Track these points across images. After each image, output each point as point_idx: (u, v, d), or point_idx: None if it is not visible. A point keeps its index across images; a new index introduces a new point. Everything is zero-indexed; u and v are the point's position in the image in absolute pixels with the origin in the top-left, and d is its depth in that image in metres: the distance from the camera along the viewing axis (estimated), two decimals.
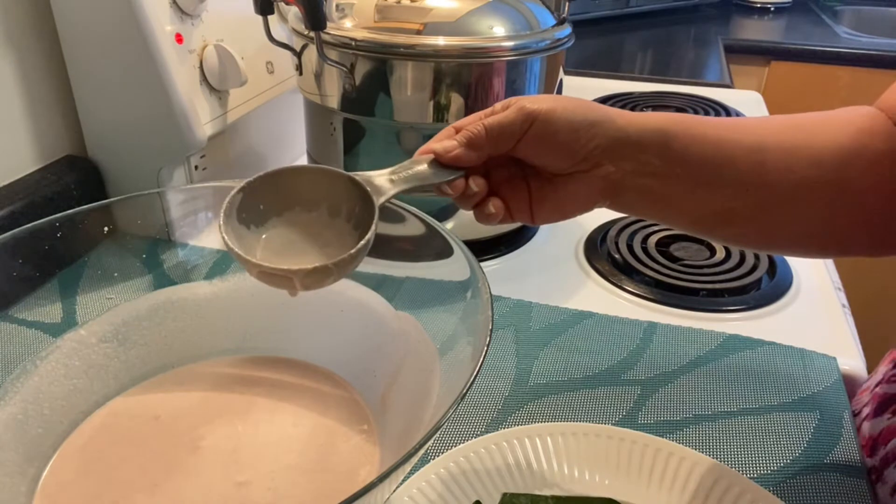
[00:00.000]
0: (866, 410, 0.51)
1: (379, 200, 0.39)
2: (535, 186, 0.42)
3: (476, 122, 0.41)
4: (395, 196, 0.40)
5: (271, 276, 0.37)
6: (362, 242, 0.37)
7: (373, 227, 0.38)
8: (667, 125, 0.40)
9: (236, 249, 0.37)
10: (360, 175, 0.40)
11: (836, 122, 0.42)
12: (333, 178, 0.40)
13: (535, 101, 0.40)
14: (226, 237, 0.37)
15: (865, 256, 0.43)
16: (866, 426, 0.50)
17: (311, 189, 0.40)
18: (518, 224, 0.72)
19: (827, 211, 0.40)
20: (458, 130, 0.41)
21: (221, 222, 0.37)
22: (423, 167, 0.41)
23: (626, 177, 0.40)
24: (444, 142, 0.41)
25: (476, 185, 0.41)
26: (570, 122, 0.39)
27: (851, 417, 0.50)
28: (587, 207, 0.42)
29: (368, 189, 0.39)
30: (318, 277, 0.37)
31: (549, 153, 0.40)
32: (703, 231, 0.44)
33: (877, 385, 0.52)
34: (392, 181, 0.40)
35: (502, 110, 0.41)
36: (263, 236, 0.39)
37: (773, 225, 0.41)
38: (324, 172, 0.40)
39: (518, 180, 0.42)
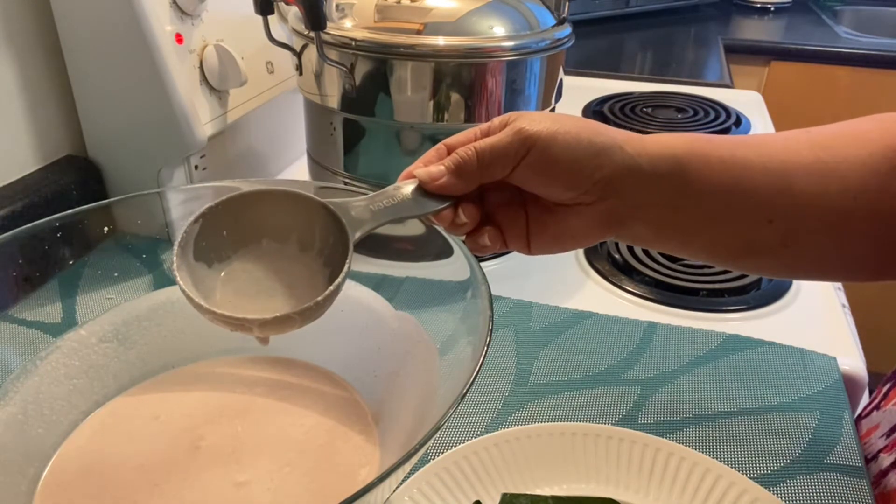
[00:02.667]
0: (887, 459, 0.47)
1: (355, 235, 0.35)
2: (534, 214, 0.38)
3: (468, 142, 0.37)
4: (375, 229, 0.36)
5: (228, 323, 0.34)
6: (331, 288, 0.33)
7: (345, 269, 0.34)
8: (681, 152, 0.36)
9: (187, 290, 0.33)
10: (335, 203, 0.35)
11: (864, 137, 0.37)
12: (306, 204, 0.36)
13: (534, 123, 0.36)
14: (177, 274, 0.33)
15: None
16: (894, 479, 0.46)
17: (280, 216, 0.36)
18: None
19: (861, 237, 0.36)
20: (449, 150, 0.38)
21: (174, 256, 0.33)
22: (407, 195, 0.37)
23: (636, 210, 0.37)
24: (430, 168, 0.37)
25: (466, 215, 0.37)
26: (571, 150, 0.35)
27: (851, 417, 0.50)
28: (589, 241, 0.39)
29: (344, 220, 0.35)
30: (278, 326, 0.34)
31: (547, 183, 0.36)
32: (721, 263, 0.40)
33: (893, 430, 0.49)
34: (371, 211, 0.36)
35: (500, 127, 0.37)
36: (223, 273, 0.35)
37: (801, 256, 0.37)
38: (295, 198, 0.36)
39: (516, 206, 0.39)
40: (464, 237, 0.39)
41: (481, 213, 0.38)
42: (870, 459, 0.48)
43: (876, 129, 0.37)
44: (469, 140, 0.38)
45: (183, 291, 0.33)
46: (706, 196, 0.36)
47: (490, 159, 0.36)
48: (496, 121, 0.38)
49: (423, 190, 0.37)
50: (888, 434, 0.48)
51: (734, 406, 0.51)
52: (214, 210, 0.35)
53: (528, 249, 0.39)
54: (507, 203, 0.39)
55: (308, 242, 0.36)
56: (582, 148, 0.35)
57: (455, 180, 0.36)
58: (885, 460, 0.47)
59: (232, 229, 0.36)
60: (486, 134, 0.38)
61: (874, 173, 0.35)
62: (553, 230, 0.38)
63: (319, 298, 0.33)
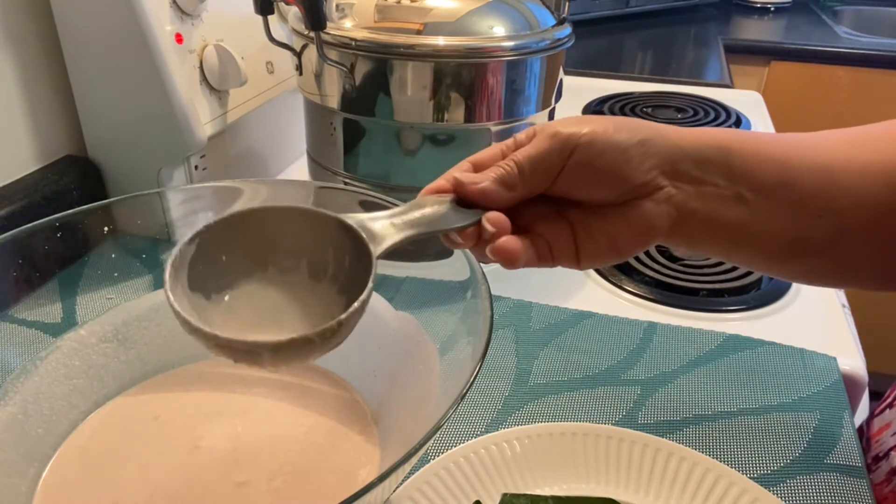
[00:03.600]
0: None
1: (378, 249, 0.31)
2: (581, 221, 0.35)
3: (494, 158, 0.35)
4: (399, 244, 0.32)
5: (233, 351, 0.29)
6: (355, 305, 0.29)
7: (369, 285, 0.30)
8: (726, 141, 0.35)
9: (183, 313, 0.28)
10: (354, 218, 0.31)
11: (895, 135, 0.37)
12: (317, 221, 0.31)
13: (567, 125, 0.34)
14: (171, 295, 0.28)
15: None
16: None
17: (288, 237, 0.32)
18: None
19: None
20: (475, 167, 0.36)
21: (167, 276, 0.29)
22: (434, 208, 0.33)
23: (690, 199, 0.35)
24: (472, 174, 0.34)
25: (492, 223, 0.33)
26: (616, 143, 0.34)
27: (851, 418, 0.50)
28: (647, 241, 0.36)
29: (364, 235, 0.31)
30: (294, 352, 0.29)
31: (596, 183, 0.34)
32: (769, 267, 0.39)
33: None
34: (395, 225, 0.32)
35: (527, 140, 0.35)
36: (222, 304, 0.31)
37: (848, 254, 0.36)
38: (304, 214, 0.31)
39: (554, 216, 0.36)
40: (492, 256, 0.34)
41: (513, 230, 0.35)
42: (881, 457, 0.48)
43: None
44: (495, 156, 0.36)
45: (178, 314, 0.28)
46: (754, 187, 0.35)
47: (531, 168, 0.34)
48: (521, 136, 0.36)
49: (452, 203, 0.34)
50: None
51: (734, 406, 0.51)
52: (212, 230, 0.30)
53: (578, 262, 0.36)
54: (545, 215, 0.36)
55: (320, 267, 0.32)
56: (625, 140, 0.34)
57: (497, 187, 0.34)
58: None
59: (232, 254, 0.31)
60: (512, 147, 0.36)
61: None
62: (605, 235, 0.36)
63: (343, 317, 0.29)
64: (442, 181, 0.35)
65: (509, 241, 0.34)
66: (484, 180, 0.34)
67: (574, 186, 0.35)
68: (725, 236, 0.36)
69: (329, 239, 0.32)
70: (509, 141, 0.36)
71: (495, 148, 0.36)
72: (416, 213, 0.33)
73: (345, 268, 0.32)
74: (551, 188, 0.35)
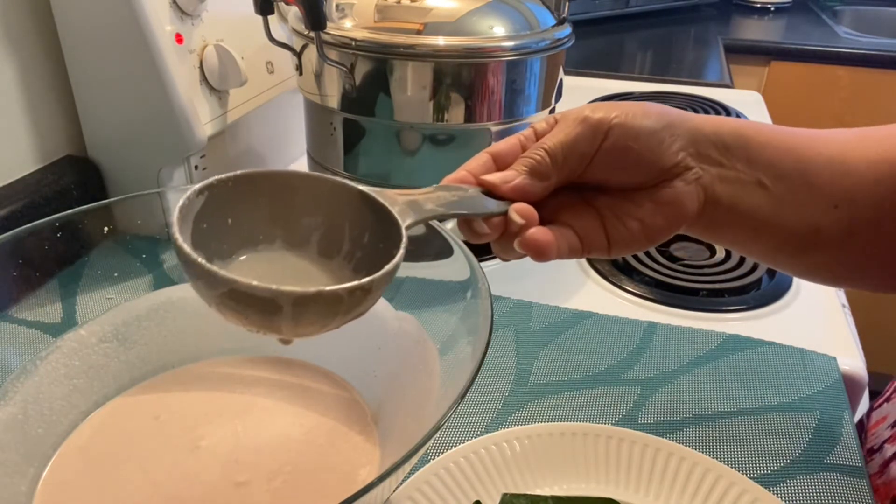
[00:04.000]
0: (891, 449, 0.48)
1: (406, 221, 0.29)
2: (610, 207, 0.35)
3: (513, 150, 0.35)
4: (423, 221, 0.30)
5: (247, 306, 0.26)
6: (388, 266, 0.27)
7: (401, 252, 0.28)
8: (740, 128, 0.36)
9: (194, 255, 0.25)
10: (377, 191, 0.30)
11: None
12: (336, 193, 0.29)
13: (596, 110, 0.33)
14: (179, 237, 0.25)
15: None
16: None
17: (302, 205, 0.29)
18: None
19: None
20: (494, 158, 0.35)
21: (174, 219, 0.26)
22: (460, 193, 0.32)
23: (714, 182, 0.35)
24: (503, 173, 0.33)
25: (520, 212, 0.32)
26: (645, 125, 0.33)
27: (852, 417, 0.50)
28: (678, 223, 0.36)
29: (389, 207, 0.29)
30: (318, 312, 0.26)
31: (628, 167, 0.34)
32: (787, 259, 0.39)
33: None
34: (419, 203, 0.31)
35: (549, 128, 0.34)
36: (228, 267, 0.29)
37: (862, 249, 0.37)
38: (323, 183, 0.29)
39: (580, 206, 0.35)
40: (519, 248, 0.34)
41: (538, 218, 0.34)
42: (875, 450, 0.49)
43: None
44: (514, 148, 0.35)
45: (187, 255, 0.25)
46: (772, 175, 0.35)
47: (564, 155, 0.33)
48: (542, 124, 0.35)
49: (478, 190, 0.33)
50: (894, 425, 0.49)
51: (734, 406, 0.51)
52: (223, 185, 0.28)
53: (609, 251, 0.36)
54: (571, 205, 0.35)
55: (334, 243, 0.30)
56: (654, 122, 0.34)
57: (532, 181, 0.33)
58: (889, 450, 0.47)
59: (240, 218, 0.29)
60: (531, 137, 0.35)
61: None
62: (635, 220, 0.35)
63: (376, 276, 0.26)
64: (463, 172, 0.34)
65: (539, 231, 0.33)
66: (516, 177, 0.33)
67: (606, 172, 0.34)
68: (748, 224, 0.36)
69: (347, 212, 0.29)
70: (528, 131, 0.35)
71: (514, 139, 0.35)
72: (442, 195, 0.32)
73: (362, 244, 0.30)
74: (582, 175, 0.34)
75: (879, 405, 0.53)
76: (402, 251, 0.28)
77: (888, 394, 0.52)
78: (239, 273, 0.26)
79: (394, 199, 0.30)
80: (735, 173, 0.35)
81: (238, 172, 0.28)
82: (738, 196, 0.36)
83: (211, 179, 0.28)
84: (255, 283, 0.25)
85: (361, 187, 0.29)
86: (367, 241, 0.30)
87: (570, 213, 0.35)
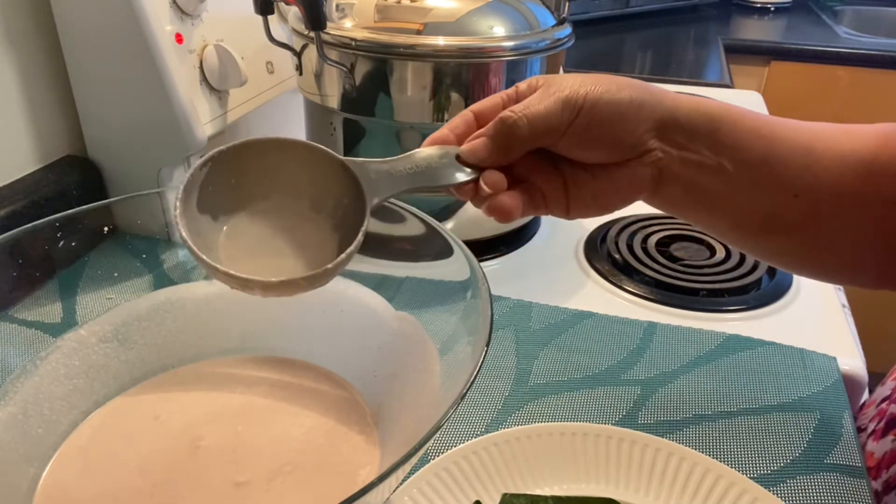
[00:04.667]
0: (872, 426, 0.50)
1: (373, 201, 0.33)
2: (571, 175, 0.37)
3: (495, 108, 0.36)
4: (394, 196, 0.35)
5: (229, 279, 0.32)
6: (341, 257, 0.32)
7: (357, 238, 0.32)
8: (717, 113, 0.36)
9: (190, 242, 0.31)
10: (354, 163, 0.34)
11: (875, 132, 0.38)
12: (323, 159, 0.34)
13: (575, 86, 0.35)
14: (178, 223, 0.31)
15: None
16: (872, 445, 0.48)
17: (294, 169, 0.34)
18: (520, 222, 0.72)
19: (872, 229, 0.37)
20: (476, 116, 0.37)
21: (177, 201, 0.31)
22: (433, 162, 0.35)
23: (674, 164, 0.36)
24: (473, 144, 0.35)
25: (489, 185, 0.35)
26: (616, 107, 0.35)
27: (851, 417, 0.50)
28: (630, 199, 0.38)
29: (363, 184, 0.33)
30: (283, 290, 0.33)
31: (595, 145, 0.36)
32: (743, 239, 0.40)
33: (884, 400, 0.51)
34: (392, 176, 0.34)
35: (529, 91, 0.36)
36: (227, 227, 0.34)
37: (817, 239, 0.38)
38: (311, 150, 0.34)
39: (549, 168, 0.37)
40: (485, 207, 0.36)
41: (509, 180, 0.36)
42: (861, 430, 0.50)
43: (886, 127, 0.38)
44: (496, 106, 0.37)
45: (186, 243, 0.31)
46: (736, 160, 0.36)
47: (542, 128, 0.35)
48: (522, 85, 0.37)
49: (451, 158, 0.35)
50: (878, 403, 0.50)
51: (734, 406, 0.51)
52: (224, 155, 0.32)
53: (567, 213, 0.38)
54: (542, 167, 0.37)
55: (321, 201, 0.34)
56: (625, 104, 0.35)
57: (500, 153, 0.35)
58: (871, 426, 0.49)
59: (241, 179, 0.33)
60: (513, 98, 0.37)
61: (890, 159, 0.36)
62: (593, 190, 0.37)
63: (329, 266, 0.32)
64: (446, 131, 0.37)
65: (503, 198, 0.36)
66: (482, 149, 0.35)
67: (571, 147, 0.36)
68: (704, 203, 0.38)
69: (332, 177, 0.33)
70: (511, 91, 0.37)
71: (497, 98, 0.37)
72: (417, 166, 0.35)
73: (343, 205, 0.34)
74: (551, 145, 0.36)
75: (874, 389, 0.54)
76: (358, 238, 0.32)
77: (885, 379, 0.53)
78: (238, 230, 0.33)
79: (369, 174, 0.34)
80: (698, 157, 0.36)
81: (236, 143, 0.33)
82: (697, 178, 0.37)
83: (212, 152, 0.32)
84: (232, 272, 0.32)
85: (343, 158, 0.33)
86: (347, 203, 0.34)
87: (540, 175, 0.37)
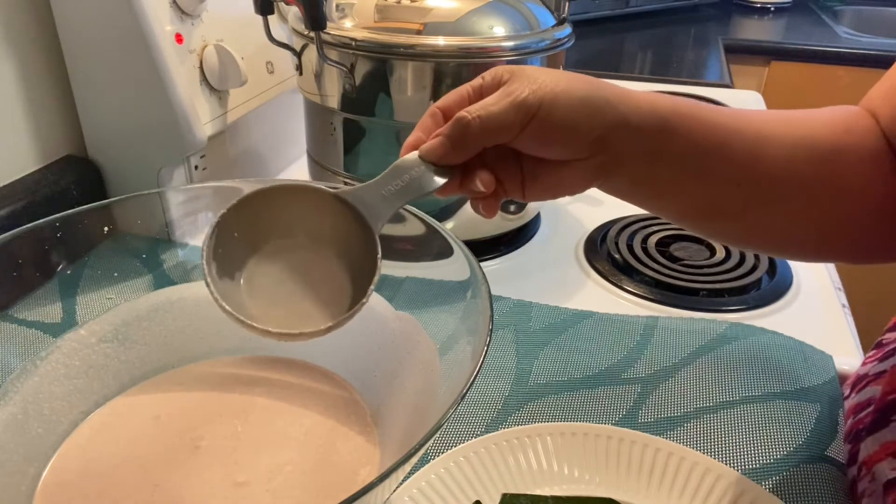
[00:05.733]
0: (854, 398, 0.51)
1: (378, 227, 0.35)
2: (528, 167, 0.39)
3: (461, 101, 0.38)
4: (392, 216, 0.36)
5: (267, 334, 0.36)
6: (363, 301, 0.35)
7: (376, 276, 0.35)
8: (668, 112, 0.38)
9: (227, 306, 0.35)
10: (349, 193, 0.36)
11: (829, 118, 0.41)
12: (318, 196, 0.36)
13: (534, 89, 0.36)
14: (217, 296, 0.35)
15: (846, 262, 0.42)
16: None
17: (293, 212, 0.36)
18: (520, 222, 0.72)
19: (817, 211, 0.39)
20: (443, 112, 0.39)
21: (208, 280, 0.35)
22: (413, 173, 0.37)
23: (620, 163, 0.38)
24: (432, 144, 0.38)
25: (484, 184, 0.38)
26: (570, 113, 0.36)
27: (843, 416, 0.50)
28: (580, 191, 0.40)
29: (365, 214, 0.35)
30: (300, 339, 0.36)
31: (546, 147, 0.38)
32: (687, 223, 0.42)
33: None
34: (385, 198, 0.36)
35: (493, 85, 0.38)
36: (245, 281, 0.37)
37: (758, 222, 0.40)
38: (306, 190, 0.36)
39: (511, 158, 0.39)
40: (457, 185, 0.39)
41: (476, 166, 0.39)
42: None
43: (840, 113, 0.41)
44: (462, 99, 0.39)
45: (230, 314, 0.35)
46: (684, 156, 0.38)
47: (495, 129, 0.36)
48: (487, 77, 0.38)
49: (427, 163, 0.37)
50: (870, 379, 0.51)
51: (736, 395, 0.51)
52: (225, 218, 0.35)
53: (524, 197, 0.41)
54: (503, 157, 0.39)
55: (326, 237, 0.36)
56: (579, 111, 0.36)
57: (456, 151, 0.37)
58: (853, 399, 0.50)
59: (244, 233, 0.36)
60: (479, 92, 0.39)
61: (833, 147, 0.38)
62: (545, 182, 0.39)
63: (343, 318, 0.35)
64: (418, 133, 0.39)
65: (489, 207, 0.40)
66: (439, 149, 0.37)
67: (526, 146, 0.38)
68: (651, 193, 0.40)
69: (329, 210, 0.35)
70: (476, 83, 0.39)
71: (463, 91, 0.39)
72: (401, 182, 0.37)
73: (348, 236, 0.36)
74: (509, 143, 0.38)
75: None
76: (377, 273, 0.35)
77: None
78: (257, 284, 0.36)
79: (363, 200, 0.36)
80: (647, 155, 0.38)
81: (234, 202, 0.35)
82: (645, 172, 0.38)
83: (216, 219, 0.35)
84: (250, 322, 0.35)
85: (337, 192, 0.35)
86: (347, 230, 0.36)
87: (501, 164, 0.39)
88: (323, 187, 0.36)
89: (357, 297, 0.36)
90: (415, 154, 0.38)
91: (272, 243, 0.37)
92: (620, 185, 0.40)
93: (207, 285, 0.35)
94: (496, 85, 0.38)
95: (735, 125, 0.39)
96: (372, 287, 0.35)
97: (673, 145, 0.38)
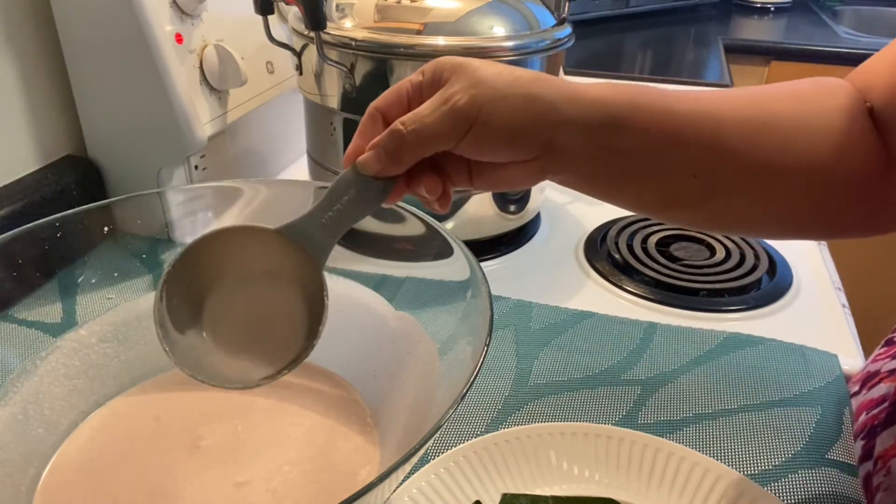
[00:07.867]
0: (859, 396, 0.51)
1: (321, 259, 0.36)
2: (474, 164, 0.38)
3: (399, 101, 0.37)
4: (334, 244, 0.36)
5: (237, 389, 0.37)
6: (316, 341, 0.36)
7: (324, 315, 0.36)
8: (623, 109, 0.36)
9: (180, 366, 0.36)
10: (291, 228, 0.36)
11: (797, 95, 0.38)
12: (262, 236, 0.36)
13: (472, 94, 0.34)
14: (172, 357, 0.36)
15: (825, 239, 0.42)
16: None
17: (240, 255, 0.37)
18: (520, 222, 0.72)
19: (781, 197, 0.37)
20: (382, 114, 0.38)
21: (164, 345, 0.36)
22: (353, 192, 0.36)
23: (570, 159, 0.36)
24: (367, 157, 0.36)
25: (428, 191, 0.37)
26: (511, 121, 0.34)
27: (851, 415, 0.50)
28: (530, 185, 0.40)
29: (308, 249, 0.36)
30: (264, 383, 0.37)
31: (488, 153, 0.36)
32: (646, 213, 0.42)
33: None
34: (326, 227, 0.36)
35: (432, 82, 0.36)
36: (204, 333, 0.38)
37: (718, 211, 0.38)
38: (249, 232, 0.36)
39: (457, 156, 0.38)
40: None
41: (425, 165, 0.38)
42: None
43: (810, 88, 0.38)
44: (401, 98, 0.37)
45: (191, 376, 0.36)
46: (637, 151, 0.36)
47: (431, 141, 0.35)
48: (427, 73, 0.37)
49: (365, 178, 0.36)
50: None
51: (735, 403, 0.51)
52: (172, 275, 0.36)
53: (472, 187, 0.40)
54: (449, 153, 0.38)
55: (273, 274, 0.37)
56: (520, 117, 0.35)
57: (393, 164, 0.36)
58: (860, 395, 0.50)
59: (196, 284, 0.37)
60: (418, 90, 0.37)
61: (810, 129, 0.36)
62: (492, 177, 0.38)
63: (284, 369, 0.37)
64: (359, 141, 0.38)
65: (441, 203, 0.39)
66: (375, 162, 0.36)
67: (467, 153, 0.36)
68: (600, 187, 0.38)
69: (276, 245, 0.36)
70: (415, 79, 0.37)
71: (402, 90, 0.37)
72: (340, 206, 0.36)
73: (295, 269, 0.36)
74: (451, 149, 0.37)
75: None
76: (325, 313, 0.35)
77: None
78: (217, 331, 0.37)
79: (309, 234, 0.35)
80: (596, 151, 0.36)
81: (177, 255, 0.36)
82: (594, 169, 0.37)
83: (162, 277, 0.36)
84: (213, 383, 0.36)
85: (279, 228, 0.35)
86: (294, 260, 0.36)
87: (447, 160, 0.38)
88: (262, 226, 0.35)
89: (312, 332, 0.37)
90: (353, 169, 0.36)
91: (226, 288, 0.37)
92: (571, 181, 0.38)
93: (164, 349, 0.36)
94: (436, 84, 0.36)
95: (692, 115, 0.36)
96: (321, 328, 0.36)
97: (624, 141, 0.36)
